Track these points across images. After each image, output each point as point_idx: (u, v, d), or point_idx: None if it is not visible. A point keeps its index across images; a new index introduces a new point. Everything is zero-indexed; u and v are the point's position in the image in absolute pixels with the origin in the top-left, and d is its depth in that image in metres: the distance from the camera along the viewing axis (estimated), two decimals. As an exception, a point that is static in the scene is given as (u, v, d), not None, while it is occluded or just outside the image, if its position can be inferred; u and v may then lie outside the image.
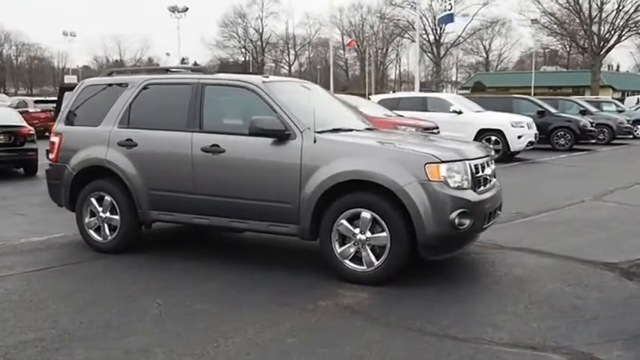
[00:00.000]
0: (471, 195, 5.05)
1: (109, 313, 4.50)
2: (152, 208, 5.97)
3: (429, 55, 65.23)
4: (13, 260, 5.97)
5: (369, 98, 19.56)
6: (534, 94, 35.11)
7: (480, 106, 17.63)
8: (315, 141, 5.26)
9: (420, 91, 24.37)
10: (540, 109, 19.39)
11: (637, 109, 28.99)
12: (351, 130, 5.86)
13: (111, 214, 6.16)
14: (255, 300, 4.78)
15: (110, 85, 6.47)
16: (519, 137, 15.93)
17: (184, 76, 6.23)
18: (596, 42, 48.20)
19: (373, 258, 5.05)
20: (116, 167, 6.04)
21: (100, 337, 4.05)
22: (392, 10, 64.01)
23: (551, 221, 7.95)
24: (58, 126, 6.61)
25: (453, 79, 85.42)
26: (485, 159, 5.52)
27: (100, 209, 6.21)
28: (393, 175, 4.93)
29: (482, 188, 5.30)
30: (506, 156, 15.78)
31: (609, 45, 48.87)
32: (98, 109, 6.34)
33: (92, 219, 6.29)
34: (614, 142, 22.62)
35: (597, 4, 47.57)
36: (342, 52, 79.82)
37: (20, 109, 21.69)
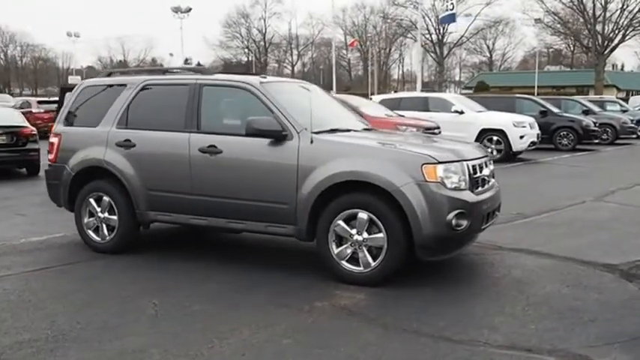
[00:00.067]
0: (468, 196, 5.03)
1: (106, 314, 4.50)
2: (150, 209, 5.97)
3: (432, 55, 65.17)
4: (12, 260, 5.98)
5: (370, 98, 19.51)
6: (538, 94, 35.06)
7: (483, 105, 17.58)
8: (312, 141, 5.25)
9: (422, 91, 24.30)
10: (543, 109, 19.33)
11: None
12: (348, 130, 5.84)
13: (109, 214, 6.17)
14: (253, 301, 4.78)
15: (109, 85, 6.47)
16: (521, 137, 15.88)
17: (182, 77, 6.22)
18: (600, 41, 48.07)
19: (370, 259, 5.04)
20: (114, 168, 6.04)
21: (96, 337, 4.05)
22: (395, 10, 64.05)
23: (552, 222, 7.93)
24: (57, 127, 6.62)
25: (457, 78, 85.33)
26: (483, 159, 5.50)
27: (99, 209, 6.22)
28: (390, 176, 4.92)
29: (480, 189, 5.28)
30: (508, 156, 15.75)
31: (613, 44, 48.71)
32: (97, 110, 6.34)
33: (91, 219, 6.30)
34: (618, 142, 22.53)
35: (601, 4, 47.48)
36: (344, 52, 79.77)
37: (24, 110, 21.78)
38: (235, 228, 5.69)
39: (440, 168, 4.93)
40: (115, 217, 6.13)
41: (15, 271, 5.63)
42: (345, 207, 5.10)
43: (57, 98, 17.96)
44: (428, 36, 60.42)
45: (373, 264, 5.03)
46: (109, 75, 6.82)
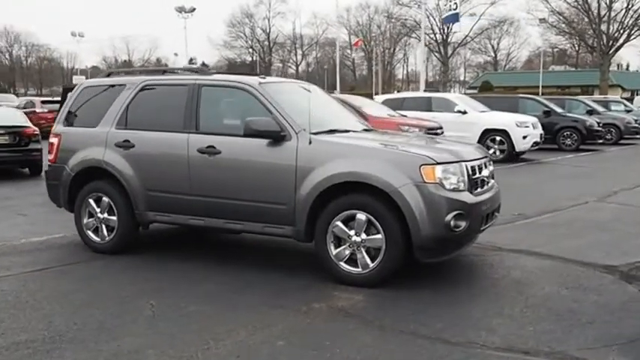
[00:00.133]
0: (467, 197, 5.01)
1: (104, 315, 4.50)
2: (149, 209, 5.96)
3: (437, 54, 64.99)
4: (11, 261, 5.99)
5: (373, 98, 19.49)
6: (542, 94, 34.96)
7: (486, 105, 17.55)
8: (310, 142, 5.24)
9: (425, 90, 24.24)
10: (546, 109, 19.27)
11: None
12: (347, 131, 5.83)
13: (108, 214, 6.17)
14: (250, 302, 4.77)
15: (108, 86, 6.47)
16: (524, 137, 15.84)
17: (181, 77, 6.22)
18: (605, 41, 47.85)
19: (368, 260, 5.02)
20: (113, 168, 6.04)
21: (92, 338, 4.05)
22: (399, 9, 63.85)
23: (553, 222, 7.89)
24: (57, 127, 6.63)
25: (461, 78, 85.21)
26: (482, 160, 5.48)
27: (98, 210, 6.22)
28: (388, 177, 4.90)
29: (479, 190, 5.25)
30: (511, 156, 15.71)
31: (618, 44, 48.48)
32: (96, 110, 6.35)
33: (90, 220, 6.30)
34: (622, 142, 22.46)
35: (606, 3, 47.25)
36: (349, 51, 79.82)
37: (28, 110, 21.85)
38: (234, 229, 5.68)
39: (438, 169, 4.91)
40: (114, 218, 6.13)
41: (14, 271, 5.63)
42: (343, 208, 5.09)
43: (60, 98, 17.99)
44: (432, 36, 60.26)
45: (371, 265, 5.02)
46: (109, 75, 6.82)
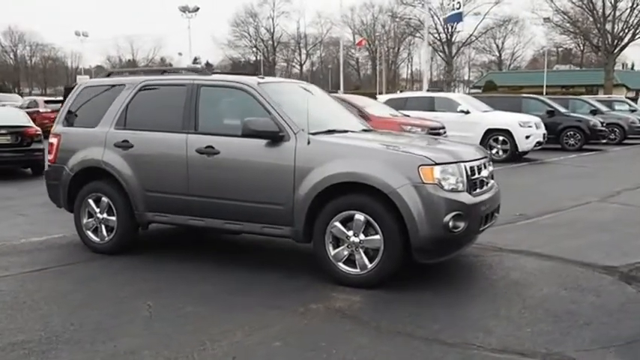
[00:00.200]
0: (465, 197, 4.99)
1: (101, 315, 4.50)
2: (148, 210, 5.96)
3: (441, 54, 64.97)
4: (10, 261, 6.00)
5: (376, 98, 19.46)
6: (547, 94, 34.90)
7: (489, 105, 17.50)
8: (308, 142, 5.23)
9: (428, 90, 24.18)
10: (550, 109, 19.21)
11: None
12: (346, 131, 5.82)
13: (108, 215, 6.17)
14: (247, 302, 4.76)
15: (107, 86, 6.47)
16: (527, 137, 15.79)
17: (180, 77, 6.21)
18: (609, 40, 47.69)
19: (366, 261, 5.01)
20: (112, 168, 6.04)
21: (89, 339, 4.04)
22: (403, 8, 63.89)
23: (554, 223, 7.87)
24: (57, 127, 6.64)
25: (466, 78, 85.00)
26: (481, 161, 5.45)
27: (98, 210, 6.22)
28: (387, 177, 4.89)
29: (478, 190, 5.23)
30: (514, 156, 15.67)
31: (623, 43, 48.29)
32: (96, 111, 6.35)
33: (90, 220, 6.31)
34: (626, 142, 22.37)
35: (611, 2, 47.07)
36: (353, 51, 79.65)
37: (31, 109, 21.93)
38: (232, 229, 5.67)
39: (437, 169, 4.89)
40: (113, 218, 6.14)
41: (12, 271, 5.64)
42: (341, 208, 5.07)
43: (62, 98, 18.01)
44: (436, 35, 60.27)
45: (370, 266, 5.00)
46: (109, 75, 6.83)
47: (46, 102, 25.49)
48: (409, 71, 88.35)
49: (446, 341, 3.99)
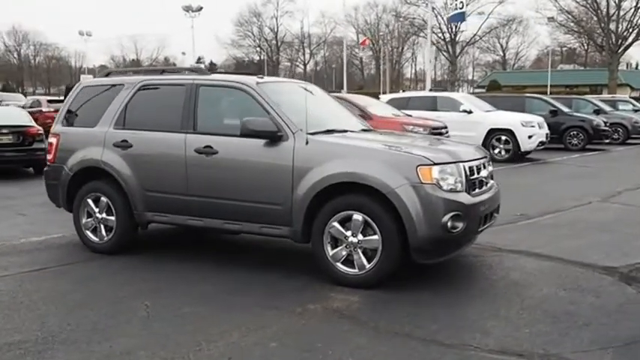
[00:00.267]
0: (464, 197, 4.97)
1: (98, 315, 4.49)
2: (147, 209, 5.96)
3: (445, 53, 64.80)
4: (9, 261, 6.00)
5: (378, 98, 19.44)
6: (551, 93, 34.75)
7: (492, 105, 17.46)
8: (307, 142, 5.21)
9: (431, 90, 24.14)
10: (553, 109, 19.16)
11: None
12: (345, 131, 5.80)
13: (107, 215, 6.17)
14: (245, 303, 4.75)
15: (107, 86, 6.47)
16: (530, 137, 15.74)
17: (179, 77, 6.20)
18: (613, 40, 47.51)
19: (365, 261, 4.99)
20: (111, 168, 6.04)
21: (85, 339, 4.04)
22: (407, 8, 63.72)
23: (555, 223, 7.84)
24: (56, 127, 6.63)
25: (470, 77, 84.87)
26: (481, 161, 5.43)
27: (97, 210, 6.22)
28: (385, 177, 4.87)
29: (477, 190, 5.21)
30: (516, 156, 15.62)
31: (627, 43, 48.09)
32: (95, 110, 6.35)
33: (89, 220, 6.30)
34: (630, 141, 22.30)
35: (615, 2, 46.88)
36: (357, 50, 79.69)
37: (34, 109, 21.96)
38: (231, 229, 5.66)
39: (435, 169, 4.87)
40: (112, 218, 6.13)
41: (11, 271, 5.64)
42: (340, 208, 5.06)
43: (64, 97, 18.04)
44: (440, 35, 60.11)
45: (368, 266, 4.98)
46: (108, 75, 6.82)
47: (49, 101, 25.51)
48: (413, 71, 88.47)
49: (444, 342, 3.97)
